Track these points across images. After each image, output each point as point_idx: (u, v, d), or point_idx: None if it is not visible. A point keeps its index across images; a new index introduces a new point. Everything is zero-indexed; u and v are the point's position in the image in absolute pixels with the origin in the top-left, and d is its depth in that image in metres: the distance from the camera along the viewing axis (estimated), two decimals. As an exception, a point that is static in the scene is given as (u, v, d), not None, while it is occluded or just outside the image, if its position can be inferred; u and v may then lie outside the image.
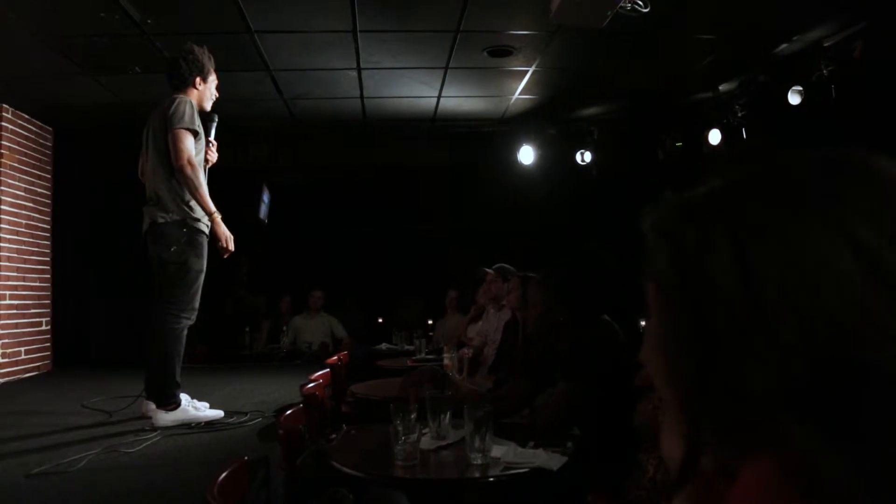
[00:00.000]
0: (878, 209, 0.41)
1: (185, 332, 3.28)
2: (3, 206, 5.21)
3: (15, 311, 5.31)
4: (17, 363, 5.28)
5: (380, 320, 7.43)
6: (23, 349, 5.38)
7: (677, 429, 0.47)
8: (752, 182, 0.46)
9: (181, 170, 3.17)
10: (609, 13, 3.33)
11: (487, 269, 4.70)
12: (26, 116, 5.58)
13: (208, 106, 3.48)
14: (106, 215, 6.00)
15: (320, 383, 3.02)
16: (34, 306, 5.60)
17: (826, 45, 4.52)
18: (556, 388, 2.27)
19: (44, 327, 5.75)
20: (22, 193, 5.50)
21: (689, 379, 0.44)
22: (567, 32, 4.17)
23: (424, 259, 7.28)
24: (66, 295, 5.97)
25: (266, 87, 5.21)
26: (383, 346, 5.95)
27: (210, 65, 3.45)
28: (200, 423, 3.18)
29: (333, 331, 6.61)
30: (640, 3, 3.37)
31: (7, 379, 5.07)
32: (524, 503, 1.83)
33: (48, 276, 5.87)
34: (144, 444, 2.81)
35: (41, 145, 5.84)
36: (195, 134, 3.27)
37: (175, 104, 3.23)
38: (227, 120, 3.74)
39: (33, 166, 5.69)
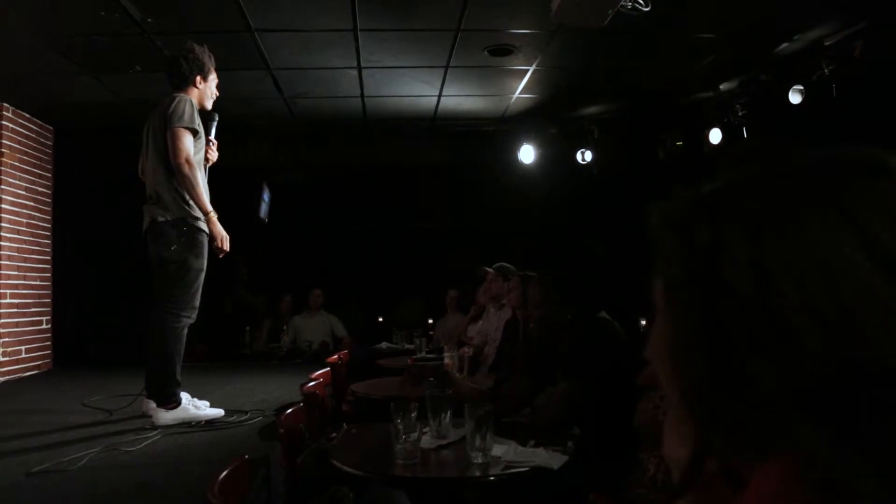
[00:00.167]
0: (894, 208, 0.41)
1: (186, 331, 3.28)
2: (3, 205, 5.21)
3: (15, 310, 5.32)
4: (17, 362, 5.28)
5: (380, 319, 7.42)
6: (23, 348, 5.39)
7: (681, 429, 0.46)
8: (765, 179, 0.45)
9: (179, 168, 3.17)
10: (610, 12, 3.32)
11: (488, 269, 4.70)
12: (27, 115, 5.58)
13: (209, 105, 3.48)
14: (106, 214, 5.99)
15: (321, 382, 3.02)
16: (35, 305, 5.61)
17: (827, 44, 4.52)
18: (556, 387, 2.27)
19: (44, 326, 5.75)
20: (22, 192, 5.50)
21: (698, 379, 0.43)
22: (567, 32, 4.16)
23: (425, 258, 7.28)
24: (66, 294, 5.97)
25: (266, 85, 5.21)
26: (383, 345, 5.95)
27: (210, 63, 3.44)
28: (201, 421, 3.18)
29: (334, 330, 6.62)
30: (641, 2, 3.37)
31: (7, 377, 5.07)
32: (525, 502, 1.83)
33: (49, 274, 5.88)
34: (145, 443, 2.81)
35: (42, 144, 5.84)
36: (194, 133, 3.26)
37: (175, 103, 3.23)
38: (228, 119, 3.74)
39: (34, 165, 5.69)
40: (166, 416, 3.13)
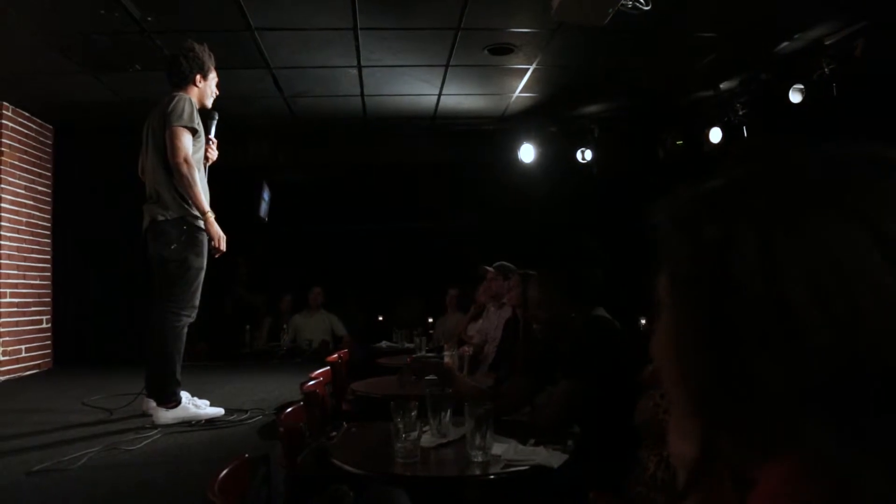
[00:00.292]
0: None
1: (186, 330, 3.28)
2: (3, 204, 5.21)
3: (15, 309, 5.32)
4: (17, 361, 5.28)
5: (380, 318, 7.43)
6: (23, 347, 5.39)
7: (686, 428, 0.45)
8: (773, 176, 0.44)
9: (177, 167, 3.17)
10: (610, 11, 3.32)
11: (488, 267, 4.70)
12: (26, 114, 5.58)
13: (209, 103, 3.48)
14: (106, 213, 6.00)
15: (321, 381, 3.02)
16: (35, 304, 5.61)
17: (827, 43, 4.51)
18: (556, 386, 2.27)
19: (44, 325, 5.75)
20: (22, 191, 5.50)
21: (705, 377, 0.43)
22: (568, 30, 4.16)
23: (425, 257, 7.28)
24: (66, 293, 5.97)
25: (266, 84, 5.20)
26: (383, 344, 5.96)
27: (210, 62, 3.44)
28: (201, 420, 3.18)
29: (334, 328, 6.62)
30: (642, 0, 3.37)
31: (8, 377, 5.07)
32: (525, 501, 1.83)
33: (48, 274, 5.88)
34: (145, 442, 2.81)
35: (41, 143, 5.84)
36: (194, 132, 3.26)
37: (174, 102, 3.23)
38: (228, 118, 3.73)
39: (33, 164, 5.68)
40: (166, 415, 3.13)
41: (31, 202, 5.64)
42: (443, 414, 1.99)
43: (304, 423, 2.33)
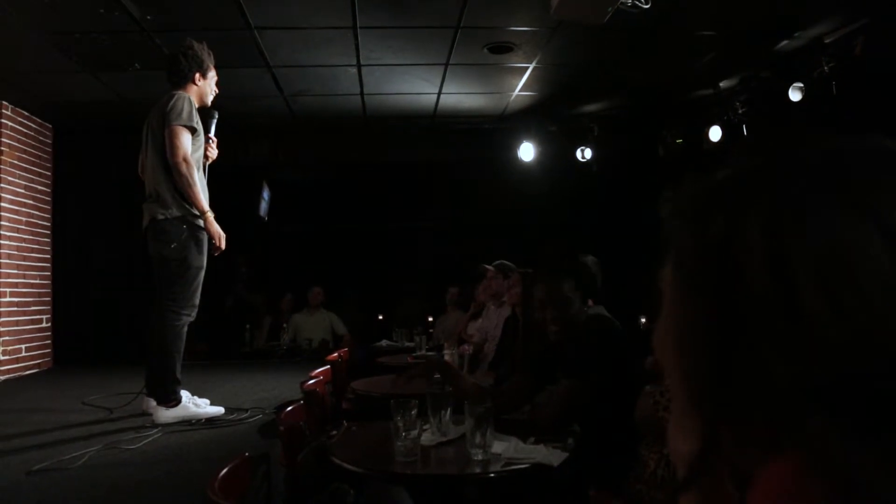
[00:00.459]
0: None
1: (186, 329, 3.28)
2: (3, 204, 5.21)
3: (15, 309, 5.32)
4: (17, 360, 5.28)
5: (380, 317, 7.43)
6: (23, 346, 5.39)
7: (687, 423, 0.45)
8: (780, 168, 0.44)
9: (176, 167, 3.17)
10: (610, 9, 3.32)
11: (487, 266, 4.70)
12: (26, 114, 5.58)
13: (209, 101, 3.48)
14: (106, 212, 6.00)
15: (321, 380, 3.02)
16: (35, 303, 5.61)
17: (827, 41, 4.51)
18: (557, 385, 2.27)
19: (44, 324, 5.75)
20: (22, 191, 5.50)
21: (708, 371, 0.42)
22: (568, 29, 4.16)
23: (425, 256, 7.28)
24: (66, 292, 5.97)
25: (266, 83, 5.20)
26: (384, 342, 5.96)
27: (210, 61, 3.44)
28: (201, 419, 3.19)
29: (334, 327, 6.62)
30: (641, -1, 3.36)
31: (8, 376, 5.07)
32: (525, 499, 1.83)
33: (48, 273, 5.88)
34: (145, 441, 2.81)
35: (41, 142, 5.83)
36: (193, 131, 3.26)
37: (173, 100, 3.23)
38: (227, 117, 3.73)
39: (33, 163, 5.68)
40: (166, 414, 3.13)
41: (31, 202, 5.64)
42: (443, 412, 1.99)
43: (304, 421, 2.33)
